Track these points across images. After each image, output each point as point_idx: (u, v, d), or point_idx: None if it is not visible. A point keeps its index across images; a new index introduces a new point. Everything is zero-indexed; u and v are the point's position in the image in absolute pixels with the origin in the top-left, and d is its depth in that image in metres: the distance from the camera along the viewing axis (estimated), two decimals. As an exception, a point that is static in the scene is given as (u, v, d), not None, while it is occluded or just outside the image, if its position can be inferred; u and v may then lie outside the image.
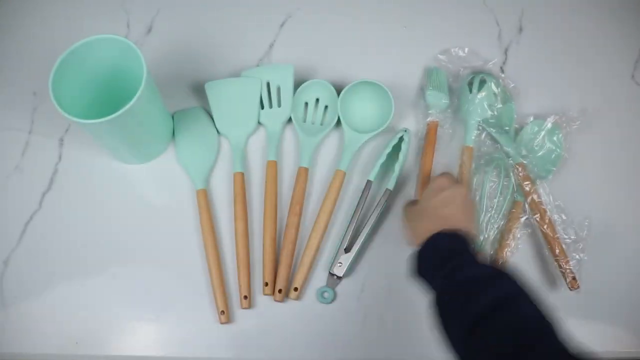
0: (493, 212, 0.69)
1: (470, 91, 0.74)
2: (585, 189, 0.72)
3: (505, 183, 0.71)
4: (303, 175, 0.70)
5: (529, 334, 0.44)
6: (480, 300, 0.47)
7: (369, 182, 0.69)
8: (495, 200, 0.70)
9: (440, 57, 0.79)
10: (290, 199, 0.69)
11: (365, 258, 0.68)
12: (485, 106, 0.73)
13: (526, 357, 0.42)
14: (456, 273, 0.52)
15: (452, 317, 0.49)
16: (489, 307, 0.46)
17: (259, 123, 0.74)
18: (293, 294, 0.65)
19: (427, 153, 0.71)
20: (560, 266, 0.66)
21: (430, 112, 0.73)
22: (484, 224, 0.69)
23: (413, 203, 0.66)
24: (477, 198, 0.70)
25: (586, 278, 0.67)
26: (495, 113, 0.73)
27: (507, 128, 0.73)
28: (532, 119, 0.74)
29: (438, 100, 0.74)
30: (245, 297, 0.65)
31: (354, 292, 0.67)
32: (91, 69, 0.64)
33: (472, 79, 0.75)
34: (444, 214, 0.59)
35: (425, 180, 0.70)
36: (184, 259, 0.68)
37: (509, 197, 0.70)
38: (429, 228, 0.57)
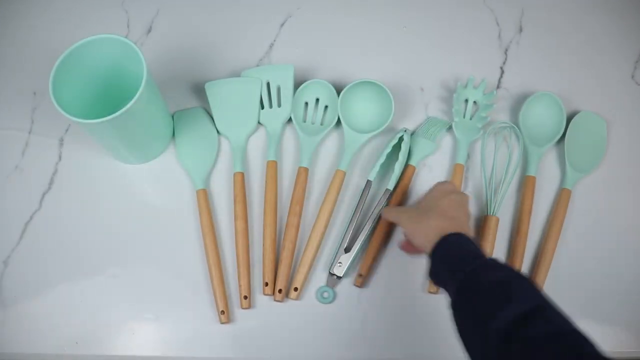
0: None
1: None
2: (585, 189, 0.72)
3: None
4: (303, 175, 0.70)
5: (569, 341, 0.42)
6: (512, 309, 0.45)
7: (369, 182, 0.69)
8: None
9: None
10: (290, 199, 0.69)
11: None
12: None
13: None
14: (480, 274, 0.50)
15: (479, 321, 0.47)
16: (521, 315, 0.44)
17: (259, 123, 0.74)
18: (293, 293, 0.65)
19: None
20: None
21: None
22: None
23: (409, 207, 0.65)
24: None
25: (587, 277, 0.67)
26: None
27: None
28: (532, 119, 0.74)
29: (423, 150, 0.72)
30: (245, 297, 0.65)
31: (354, 292, 0.67)
32: (91, 68, 0.64)
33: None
34: (454, 215, 0.57)
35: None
36: (184, 258, 0.68)
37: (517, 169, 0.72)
38: (440, 227, 0.55)
